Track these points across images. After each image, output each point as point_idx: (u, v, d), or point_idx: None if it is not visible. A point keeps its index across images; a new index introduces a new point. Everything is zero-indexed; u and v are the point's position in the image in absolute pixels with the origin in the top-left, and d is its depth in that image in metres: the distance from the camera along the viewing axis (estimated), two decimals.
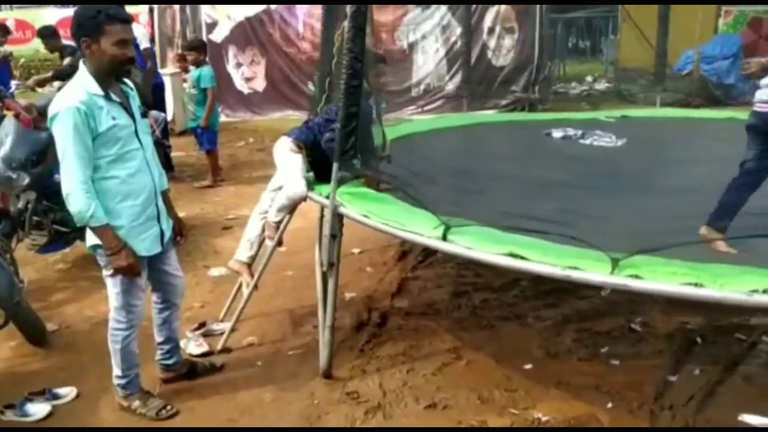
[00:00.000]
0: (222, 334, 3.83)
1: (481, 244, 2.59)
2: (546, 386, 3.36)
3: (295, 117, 11.11)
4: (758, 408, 3.12)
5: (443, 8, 11.45)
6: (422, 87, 11.60)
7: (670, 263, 2.31)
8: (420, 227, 2.85)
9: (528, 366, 3.56)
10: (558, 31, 16.75)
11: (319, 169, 3.78)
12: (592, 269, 2.35)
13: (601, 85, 15.79)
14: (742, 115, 6.89)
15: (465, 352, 3.71)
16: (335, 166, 3.24)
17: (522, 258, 2.48)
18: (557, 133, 5.35)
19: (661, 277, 2.25)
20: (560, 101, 12.82)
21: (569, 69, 17.74)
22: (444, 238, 2.70)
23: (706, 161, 4.29)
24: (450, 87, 11.50)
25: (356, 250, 5.20)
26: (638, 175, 4.01)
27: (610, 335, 3.88)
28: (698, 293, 2.15)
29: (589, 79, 16.75)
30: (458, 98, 11.09)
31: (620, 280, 2.28)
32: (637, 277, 2.26)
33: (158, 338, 3.32)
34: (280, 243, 3.83)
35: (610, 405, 3.19)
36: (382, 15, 11.08)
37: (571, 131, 5.36)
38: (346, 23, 3.46)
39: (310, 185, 3.70)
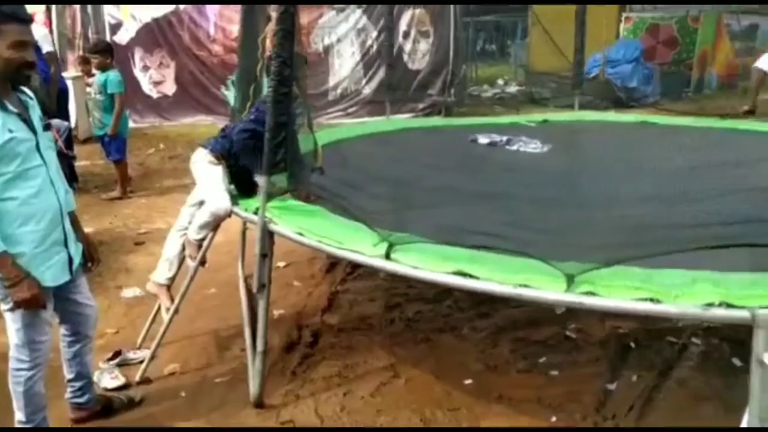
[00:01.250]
0: (140, 363, 3.52)
1: (427, 263, 2.44)
2: (488, 402, 3.27)
3: (208, 122, 10.76)
4: (696, 413, 3.15)
5: (358, 11, 11.34)
6: (339, 91, 11.43)
7: (624, 277, 2.24)
8: (360, 245, 2.67)
9: (468, 381, 3.46)
10: (469, 35, 17.04)
11: (241, 181, 3.54)
12: (546, 286, 2.25)
13: (513, 88, 16.17)
14: (653, 118, 7.17)
15: (402, 369, 3.56)
16: (264, 179, 3.01)
17: (471, 276, 2.35)
18: (483, 139, 5.29)
19: (616, 292, 2.18)
20: (475, 105, 12.98)
21: (479, 72, 18.07)
22: (387, 256, 2.53)
23: (638, 168, 4.34)
24: (367, 91, 11.39)
25: (282, 264, 4.97)
26: (576, 183, 3.99)
27: (546, 344, 3.84)
28: (656, 309, 2.10)
29: (500, 82, 17.13)
30: (376, 102, 11.00)
31: (576, 297, 2.19)
32: (592, 293, 2.18)
33: (68, 374, 2.98)
34: (203, 262, 3.55)
35: (554, 419, 3.14)
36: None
37: (496, 137, 5.32)
38: (271, 26, 3.26)
39: (234, 199, 3.45)
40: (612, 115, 7.36)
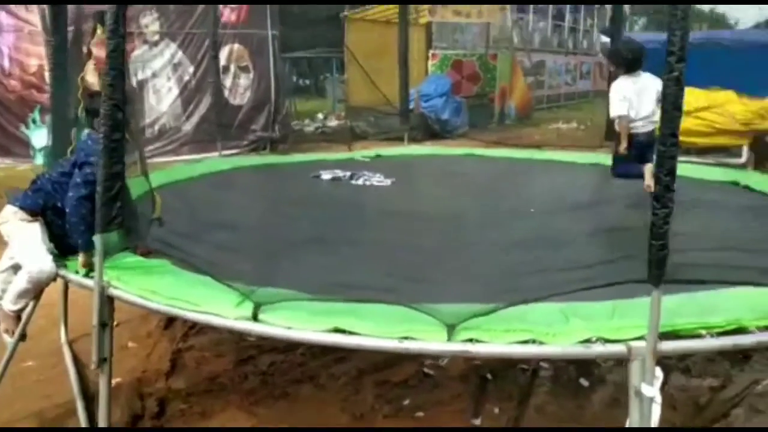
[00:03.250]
0: None
1: (300, 321, 2.25)
2: None
3: (5, 165, 9.64)
4: None
5: (173, 45, 10.94)
6: (157, 127, 10.82)
7: (499, 319, 2.22)
8: (220, 306, 2.40)
9: None
10: (286, 70, 17.11)
11: (60, 239, 3.10)
12: (428, 336, 2.17)
13: (333, 123, 16.42)
14: (478, 150, 7.54)
15: None
16: (99, 237, 2.64)
17: (351, 333, 2.20)
18: (326, 175, 5.22)
19: (496, 336, 2.15)
20: (299, 141, 12.93)
21: (298, 107, 18.17)
22: (255, 317, 2.30)
23: (487, 206, 4.46)
24: (188, 127, 10.92)
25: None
26: (434, 226, 3.99)
27: (408, 384, 3.77)
28: (542, 351, 2.10)
29: (320, 116, 17.35)
30: (198, 141, 10.59)
31: (459, 346, 2.12)
32: (477, 340, 2.13)
33: None
34: (23, 337, 3.04)
35: None
36: (105, 51, 10.10)
37: (339, 172, 5.28)
38: (91, 63, 2.92)
39: (58, 260, 3.01)
40: (439, 149, 7.65)
